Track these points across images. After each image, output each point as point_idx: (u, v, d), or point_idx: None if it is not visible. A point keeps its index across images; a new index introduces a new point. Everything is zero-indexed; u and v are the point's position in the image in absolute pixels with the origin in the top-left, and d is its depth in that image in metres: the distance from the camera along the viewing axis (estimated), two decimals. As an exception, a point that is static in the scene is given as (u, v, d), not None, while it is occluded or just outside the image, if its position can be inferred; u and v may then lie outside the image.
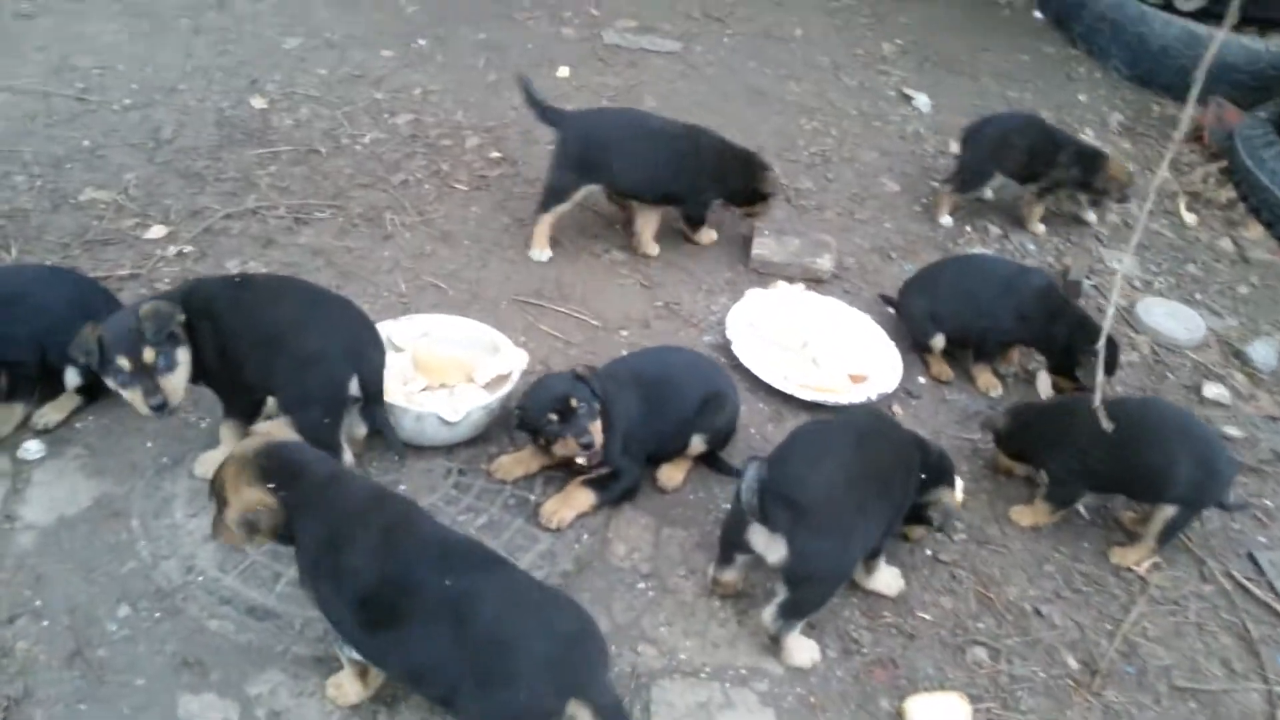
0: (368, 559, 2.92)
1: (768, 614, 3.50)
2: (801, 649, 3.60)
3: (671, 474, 4.25)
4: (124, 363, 3.58)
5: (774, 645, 3.57)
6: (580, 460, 3.87)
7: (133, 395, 3.64)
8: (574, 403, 3.80)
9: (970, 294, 5.11)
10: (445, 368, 4.30)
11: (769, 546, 3.38)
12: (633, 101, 7.35)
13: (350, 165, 6.20)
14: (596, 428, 3.85)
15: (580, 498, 3.97)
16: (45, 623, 3.42)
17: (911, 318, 5.28)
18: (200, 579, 3.55)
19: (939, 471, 3.80)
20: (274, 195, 5.81)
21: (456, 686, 2.85)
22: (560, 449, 3.89)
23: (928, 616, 3.89)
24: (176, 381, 3.68)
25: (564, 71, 7.61)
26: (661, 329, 5.22)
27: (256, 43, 7.46)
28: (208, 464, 3.86)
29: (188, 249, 5.30)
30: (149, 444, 4.12)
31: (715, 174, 5.63)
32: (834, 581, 3.50)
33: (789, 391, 4.80)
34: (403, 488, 4.01)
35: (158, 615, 3.48)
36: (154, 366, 3.61)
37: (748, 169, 5.73)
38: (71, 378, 4.11)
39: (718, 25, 8.73)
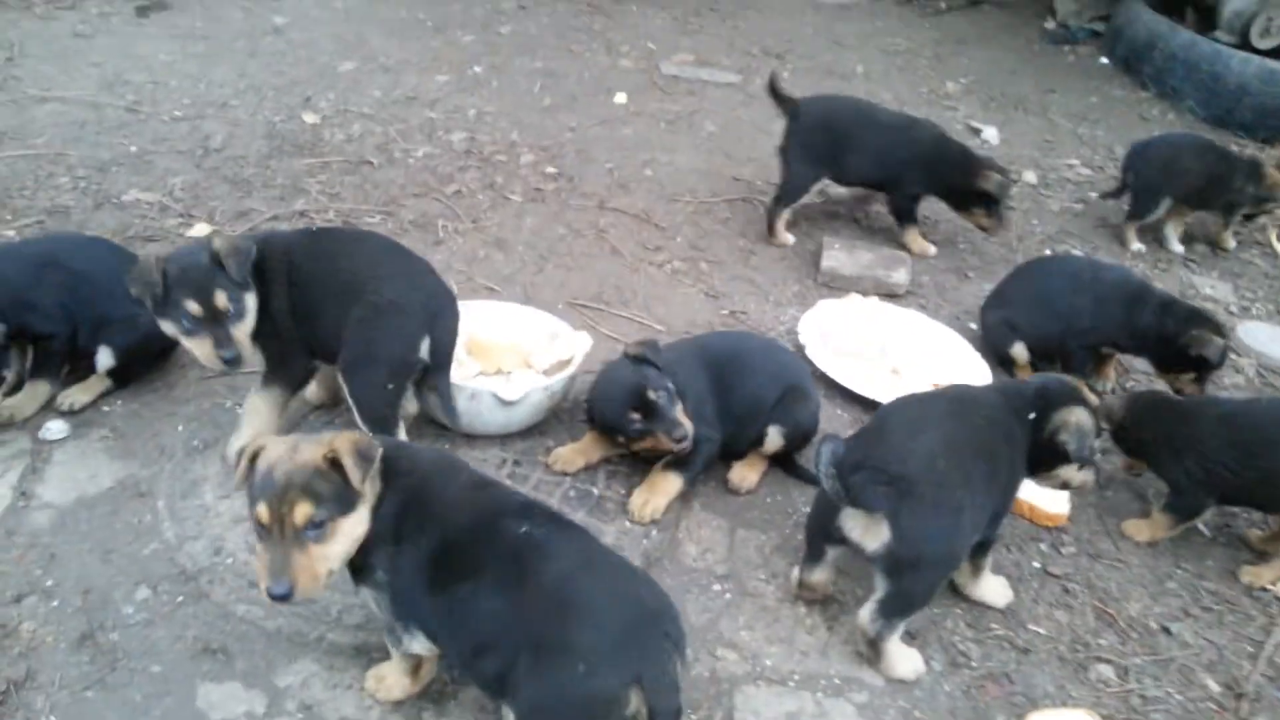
0: (452, 508, 2.60)
1: (865, 614, 3.06)
2: (903, 658, 3.16)
3: (744, 474, 3.86)
4: (193, 306, 3.22)
5: (872, 652, 3.13)
6: (672, 446, 3.49)
7: (199, 345, 3.28)
8: (651, 395, 3.44)
9: (1043, 297, 4.72)
10: (501, 352, 3.96)
11: (866, 532, 2.96)
12: (693, 127, 7.14)
13: (402, 176, 5.98)
14: (682, 413, 3.48)
15: (668, 483, 3.60)
16: (55, 603, 3.07)
17: (988, 329, 4.91)
18: (229, 561, 3.18)
19: (1051, 450, 3.38)
20: (323, 200, 5.60)
21: (513, 661, 2.44)
22: (649, 445, 3.53)
23: (1041, 630, 3.43)
24: (244, 332, 3.33)
25: (621, 98, 7.42)
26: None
27: (311, 66, 7.36)
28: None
29: (232, 246, 5.04)
30: (180, 427, 3.81)
31: (926, 164, 5.55)
32: (943, 567, 3.06)
33: (870, 397, 4.40)
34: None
35: (180, 599, 3.12)
36: (226, 313, 3.26)
37: (964, 163, 5.54)
38: (104, 358, 3.84)
39: (776, 61, 8.54)
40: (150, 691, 2.84)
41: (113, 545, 3.28)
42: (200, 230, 5.14)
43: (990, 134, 7.65)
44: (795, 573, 3.41)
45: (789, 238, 5.75)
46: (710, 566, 3.51)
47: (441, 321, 3.49)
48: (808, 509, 3.77)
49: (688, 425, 3.47)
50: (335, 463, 2.47)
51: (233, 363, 3.30)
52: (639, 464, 3.81)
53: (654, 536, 3.51)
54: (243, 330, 3.31)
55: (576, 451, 3.74)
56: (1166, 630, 3.50)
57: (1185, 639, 3.46)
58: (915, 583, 3.00)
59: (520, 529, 2.54)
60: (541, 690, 2.41)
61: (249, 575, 3.15)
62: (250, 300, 3.32)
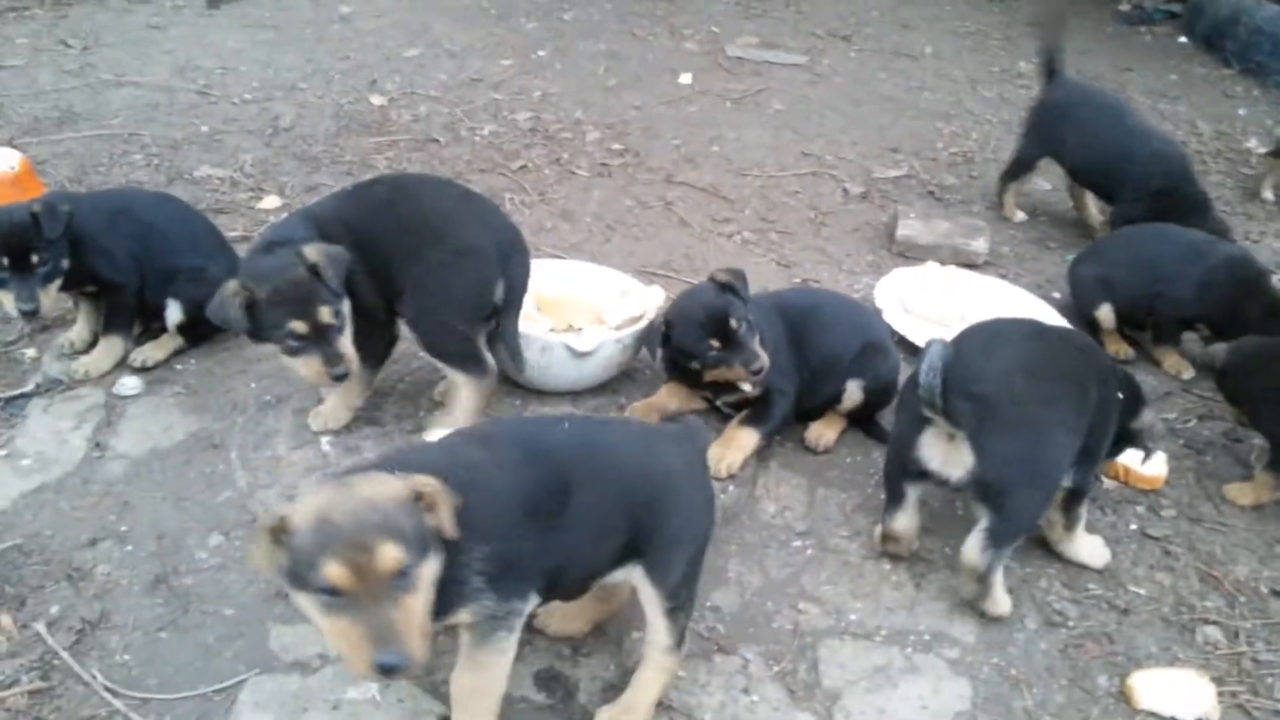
0: (525, 467, 2.37)
1: (971, 545, 2.91)
2: (1005, 598, 3.04)
3: (822, 431, 3.73)
4: (299, 326, 3.07)
5: (980, 588, 2.97)
6: (746, 387, 3.38)
7: (308, 364, 3.13)
8: (733, 323, 3.33)
9: (1148, 259, 4.51)
10: (573, 308, 3.88)
11: (948, 459, 2.85)
12: (759, 106, 7.04)
13: (468, 153, 5.96)
14: (760, 346, 3.37)
15: (744, 438, 3.50)
16: (129, 548, 3.05)
17: (1078, 285, 4.70)
18: (301, 508, 3.12)
19: (1134, 394, 3.24)
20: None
21: (638, 543, 2.44)
22: (723, 376, 3.44)
23: (1142, 592, 3.25)
24: (349, 343, 3.17)
25: (686, 78, 7.34)
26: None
27: (377, 51, 7.39)
28: (325, 418, 3.49)
29: (302, 217, 5.05)
30: (252, 384, 3.80)
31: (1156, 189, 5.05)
32: (1036, 490, 2.90)
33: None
34: (525, 430, 3.56)
35: (252, 545, 3.06)
36: (331, 327, 3.10)
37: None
38: (173, 313, 3.84)
39: (843, 43, 8.42)
40: (223, 633, 2.79)
41: (186, 494, 3.26)
42: (271, 202, 5.16)
43: (1066, 110, 7.40)
44: (879, 529, 3.27)
45: (1018, 214, 5.73)
46: (790, 523, 3.39)
47: (514, 263, 3.42)
48: (890, 469, 3.65)
49: (765, 358, 3.35)
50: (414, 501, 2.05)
51: (343, 378, 3.18)
52: (715, 421, 3.71)
53: (731, 492, 3.40)
54: (347, 341, 3.16)
55: (652, 405, 3.64)
56: (1278, 594, 3.30)
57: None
58: (1012, 508, 2.85)
59: (563, 426, 2.51)
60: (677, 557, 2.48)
61: (321, 522, 3.09)
62: (348, 307, 3.17)
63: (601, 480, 2.41)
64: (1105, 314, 4.56)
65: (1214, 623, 3.16)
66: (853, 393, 3.66)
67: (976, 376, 2.81)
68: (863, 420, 3.82)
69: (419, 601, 2.00)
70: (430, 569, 2.04)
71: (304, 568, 1.92)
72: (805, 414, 3.75)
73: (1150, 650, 3.03)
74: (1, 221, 3.44)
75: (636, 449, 2.54)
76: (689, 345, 3.42)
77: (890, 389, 3.80)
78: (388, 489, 2.02)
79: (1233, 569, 3.38)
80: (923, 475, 2.95)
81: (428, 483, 2.05)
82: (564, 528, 2.33)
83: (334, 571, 1.88)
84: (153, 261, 3.77)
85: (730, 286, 3.44)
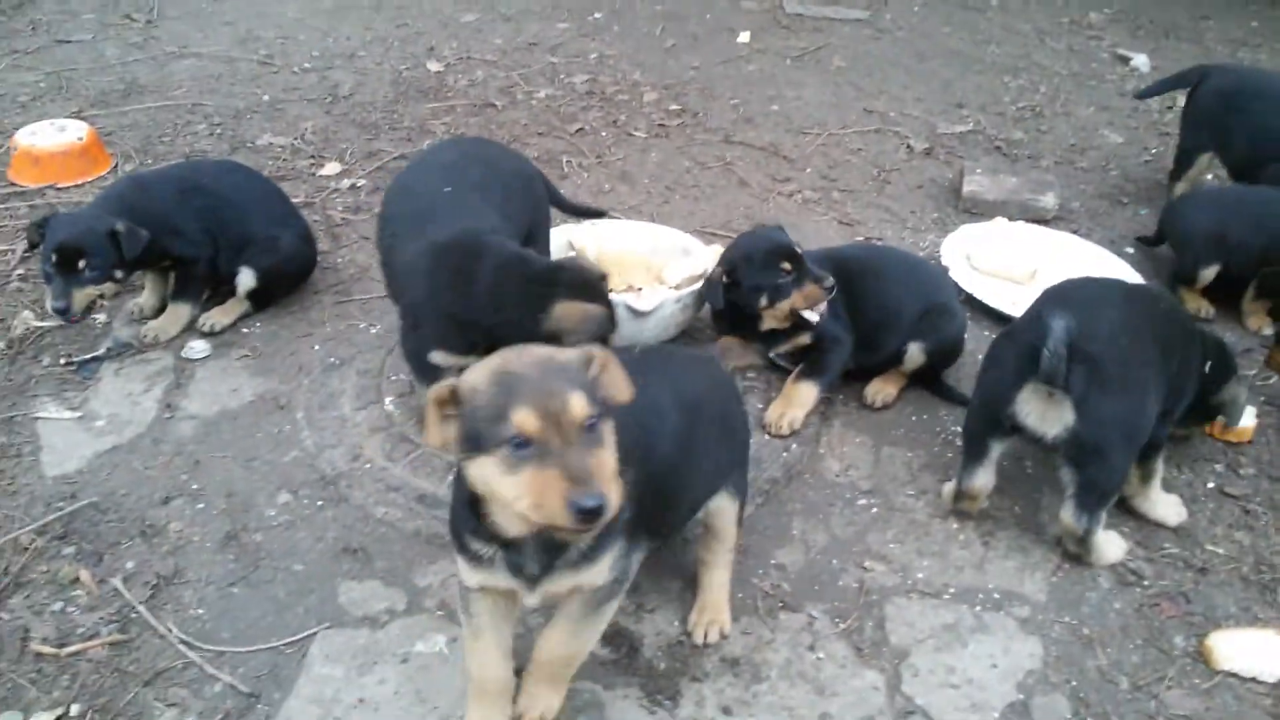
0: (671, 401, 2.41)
1: (1068, 513, 2.91)
2: (1111, 543, 3.04)
3: (881, 387, 3.67)
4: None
5: (1082, 549, 2.97)
6: (813, 316, 3.39)
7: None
8: (797, 248, 3.36)
9: (1269, 215, 4.28)
10: (632, 266, 3.85)
11: (1046, 416, 2.79)
12: (820, 63, 6.90)
13: (526, 117, 5.94)
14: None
15: (803, 393, 3.46)
16: (201, 505, 3.10)
17: (1186, 237, 4.43)
18: (367, 466, 3.17)
19: (1225, 363, 3.15)
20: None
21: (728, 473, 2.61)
22: (789, 309, 3.43)
23: (1220, 551, 3.15)
24: None
25: (744, 37, 7.23)
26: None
27: (434, 18, 7.39)
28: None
29: (361, 182, 5.11)
30: (316, 347, 3.83)
31: None
32: (1130, 451, 2.87)
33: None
34: (587, 389, 3.55)
35: (320, 503, 3.12)
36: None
37: None
38: (245, 279, 3.89)
39: (905, -3, 8.21)
40: (293, 588, 2.83)
41: (254, 453, 3.31)
42: (331, 169, 5.20)
43: (1140, 61, 7.18)
44: (948, 487, 3.22)
45: None
46: (854, 482, 3.34)
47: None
48: (955, 428, 3.59)
49: (830, 278, 3.35)
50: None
51: None
52: (774, 378, 3.67)
53: (794, 450, 3.36)
54: None
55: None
56: (1364, 552, 3.18)
57: None
58: (1103, 470, 2.82)
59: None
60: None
61: (387, 480, 3.13)
62: None
63: (709, 405, 2.52)
64: (1208, 274, 4.33)
65: (1299, 585, 3.04)
66: (914, 354, 3.60)
67: (1087, 337, 2.74)
68: (927, 380, 3.74)
69: (609, 455, 1.89)
70: (610, 430, 1.93)
71: (487, 424, 1.84)
72: (866, 373, 3.68)
73: (1229, 610, 2.94)
74: (77, 227, 3.50)
75: (709, 371, 2.67)
76: (759, 279, 3.39)
77: (955, 351, 3.72)
78: (562, 352, 1.98)
79: (1318, 528, 3.26)
80: (1013, 430, 2.90)
81: (599, 348, 2.01)
82: (693, 460, 2.41)
83: (524, 418, 1.80)
84: (225, 232, 3.83)
85: (779, 228, 3.40)
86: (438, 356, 3.04)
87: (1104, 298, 2.97)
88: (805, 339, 3.50)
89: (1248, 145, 4.78)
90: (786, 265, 3.36)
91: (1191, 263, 4.37)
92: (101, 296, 3.71)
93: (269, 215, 3.94)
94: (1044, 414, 2.79)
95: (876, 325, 3.58)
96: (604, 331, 2.89)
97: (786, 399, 3.46)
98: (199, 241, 3.80)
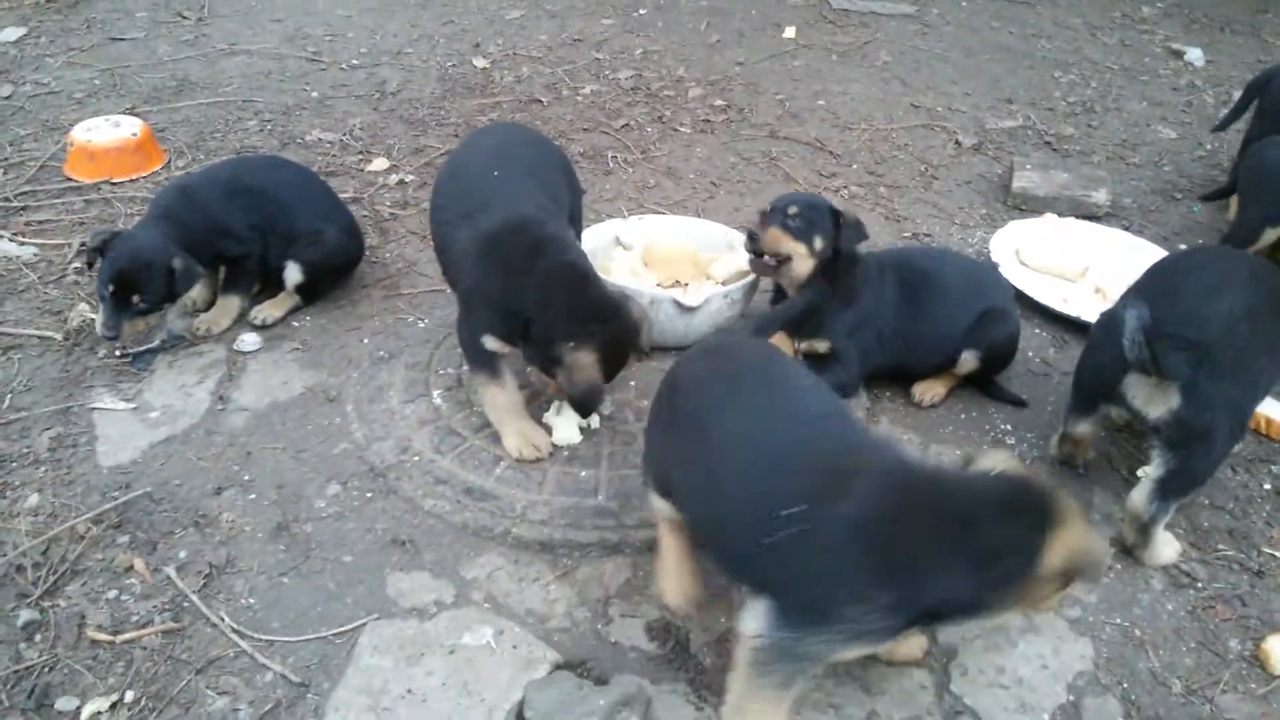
0: None
1: (1141, 496, 2.89)
2: (1168, 544, 3.01)
3: (930, 386, 3.64)
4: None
5: (1141, 538, 2.94)
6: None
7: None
8: (794, 209, 3.42)
9: None
10: (679, 262, 3.84)
11: (1151, 399, 2.79)
12: (866, 58, 6.85)
13: (571, 113, 5.95)
14: (790, 241, 3.43)
15: None
16: (252, 496, 3.14)
17: (1262, 185, 4.25)
18: (415, 459, 3.19)
19: None
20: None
21: None
22: (762, 249, 3.49)
23: (1277, 554, 3.08)
24: None
25: (790, 32, 7.20)
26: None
27: (480, 15, 7.42)
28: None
29: (409, 178, 5.14)
30: (365, 340, 3.86)
31: None
32: (1231, 441, 2.85)
33: (1072, 315, 4.08)
34: (632, 384, 3.56)
35: (369, 494, 3.15)
36: None
37: None
38: (293, 274, 3.93)
39: (953, -8, 8.13)
40: (342, 579, 2.86)
41: (304, 445, 3.34)
42: (379, 165, 5.24)
43: (1194, 56, 7.06)
44: (1055, 438, 3.30)
45: None
46: (902, 479, 3.30)
47: None
48: (1006, 426, 3.55)
49: (788, 249, 3.45)
50: None
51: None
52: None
53: (842, 447, 3.32)
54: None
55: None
56: None
57: None
58: (1202, 457, 2.80)
59: None
60: None
61: (435, 472, 3.15)
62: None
63: None
64: (1272, 235, 4.19)
65: (1364, 588, 2.97)
66: (968, 360, 3.56)
67: (1199, 321, 2.72)
68: (978, 380, 3.70)
69: None
70: None
71: None
72: (914, 376, 3.65)
73: (1289, 614, 2.88)
74: (136, 257, 3.53)
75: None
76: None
77: (1009, 355, 3.68)
78: None
79: (1380, 532, 3.18)
80: (1120, 404, 2.90)
81: None
82: None
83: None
84: (273, 227, 3.88)
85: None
86: (490, 342, 3.09)
87: (1227, 279, 2.87)
88: (822, 346, 3.46)
89: None
90: (793, 209, 3.41)
91: (1259, 217, 4.21)
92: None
93: (314, 210, 3.98)
94: (1150, 397, 2.79)
95: (934, 334, 3.53)
96: (595, 401, 3.01)
97: None
98: (248, 239, 3.86)
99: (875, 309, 3.49)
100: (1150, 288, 2.95)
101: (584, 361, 2.87)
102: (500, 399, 3.19)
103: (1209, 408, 2.71)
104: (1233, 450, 2.94)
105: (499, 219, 3.04)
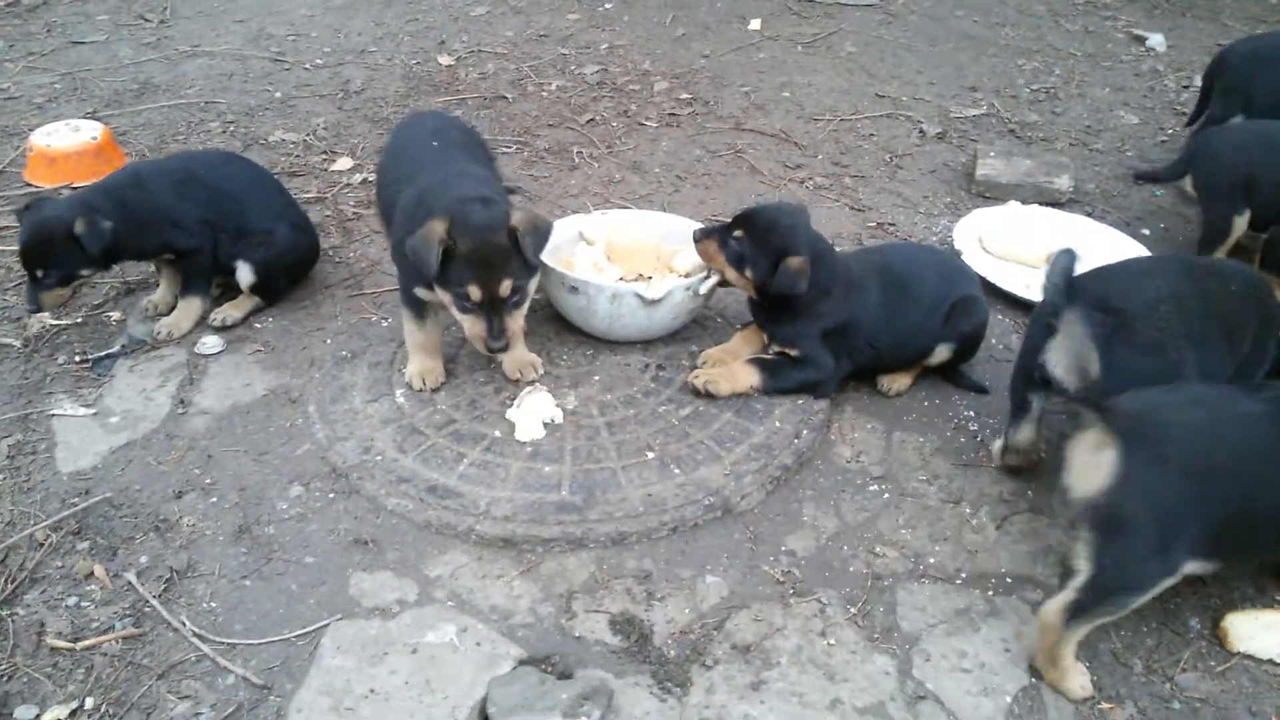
0: None
1: None
2: None
3: (896, 377, 3.64)
4: (474, 291, 3.04)
5: None
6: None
7: (474, 326, 3.13)
8: (740, 233, 3.39)
9: None
10: (641, 255, 3.83)
11: (1069, 367, 2.72)
12: (831, 49, 6.86)
13: (536, 109, 5.94)
14: (722, 262, 3.44)
15: (743, 376, 3.45)
16: (214, 499, 3.12)
17: (1215, 184, 4.30)
18: (378, 459, 3.17)
19: None
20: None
21: None
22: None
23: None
24: (521, 316, 3.21)
25: (755, 24, 7.21)
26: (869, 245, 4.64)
27: (444, 12, 7.40)
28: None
29: (373, 177, 5.08)
30: (328, 340, 3.84)
31: None
32: None
33: (1035, 300, 4.10)
34: (596, 379, 3.56)
35: (331, 495, 3.13)
36: (507, 300, 3.09)
37: None
38: (244, 274, 3.90)
39: (916, -19, 8.15)
40: (305, 580, 2.85)
41: (266, 447, 3.33)
42: (343, 164, 5.21)
43: (1156, 41, 7.11)
44: (997, 445, 3.30)
45: None
46: (866, 468, 3.33)
47: None
48: (969, 413, 3.57)
49: (725, 269, 3.46)
50: None
51: (500, 351, 3.19)
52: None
53: (805, 436, 3.34)
54: (519, 317, 3.17)
55: (726, 351, 3.59)
56: (1386, 532, 3.13)
57: None
58: None
59: None
60: None
61: (398, 472, 3.13)
62: (534, 285, 3.23)
63: None
64: (1241, 224, 4.25)
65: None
66: (941, 352, 3.58)
67: (1122, 293, 2.88)
68: (944, 369, 3.71)
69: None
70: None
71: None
72: (888, 369, 3.66)
73: (1246, 591, 2.91)
74: (35, 231, 3.52)
75: None
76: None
77: (977, 343, 3.69)
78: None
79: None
80: (1045, 384, 2.93)
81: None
82: None
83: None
84: (223, 222, 3.84)
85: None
86: (420, 292, 3.30)
87: (1160, 269, 3.05)
88: (793, 351, 3.46)
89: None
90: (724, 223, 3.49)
91: (1224, 212, 4.27)
92: (117, 296, 3.71)
93: (265, 207, 3.95)
94: (1070, 366, 2.74)
95: (914, 331, 3.54)
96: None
97: (729, 367, 3.49)
98: (198, 233, 3.80)
99: (856, 315, 3.47)
100: (1087, 272, 3.01)
101: (434, 230, 3.04)
102: (417, 336, 3.44)
103: (1126, 376, 2.72)
104: None
105: (435, 177, 3.30)
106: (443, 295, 3.14)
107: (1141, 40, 7.15)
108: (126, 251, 3.72)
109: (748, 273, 3.38)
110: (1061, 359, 2.63)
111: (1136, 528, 2.42)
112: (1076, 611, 2.49)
